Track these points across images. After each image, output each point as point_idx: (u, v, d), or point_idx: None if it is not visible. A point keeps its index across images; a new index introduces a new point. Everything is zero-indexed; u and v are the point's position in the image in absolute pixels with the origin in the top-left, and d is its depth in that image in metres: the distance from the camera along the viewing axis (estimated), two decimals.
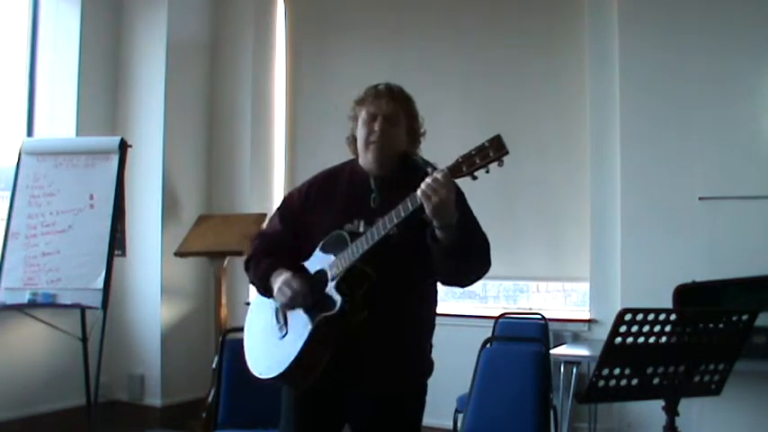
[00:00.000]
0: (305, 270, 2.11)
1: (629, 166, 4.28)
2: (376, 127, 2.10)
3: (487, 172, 1.84)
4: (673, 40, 4.20)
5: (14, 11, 4.95)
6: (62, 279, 4.11)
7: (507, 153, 1.81)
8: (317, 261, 2.08)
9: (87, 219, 4.20)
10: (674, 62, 4.19)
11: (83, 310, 4.19)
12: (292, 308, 2.06)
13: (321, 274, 2.05)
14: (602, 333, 3.46)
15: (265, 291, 2.15)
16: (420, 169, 1.91)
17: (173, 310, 5.10)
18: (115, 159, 4.30)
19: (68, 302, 4.09)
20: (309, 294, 2.03)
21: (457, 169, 1.84)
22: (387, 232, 1.93)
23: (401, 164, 2.11)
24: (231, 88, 5.50)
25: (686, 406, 2.36)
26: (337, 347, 2.00)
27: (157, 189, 5.08)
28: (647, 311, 2.19)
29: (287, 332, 2.08)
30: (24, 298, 4.12)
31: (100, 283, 4.07)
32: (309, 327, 1.99)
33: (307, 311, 2.03)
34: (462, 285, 2.18)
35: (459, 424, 3.52)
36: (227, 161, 5.46)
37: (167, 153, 5.11)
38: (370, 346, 2.02)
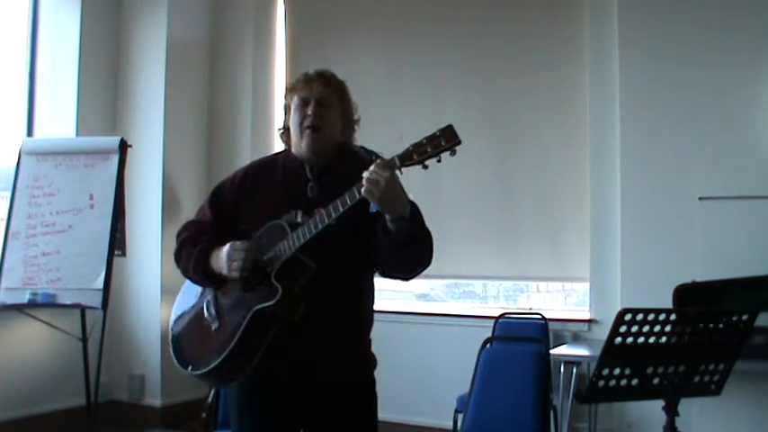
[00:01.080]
0: None
1: (629, 166, 4.28)
2: (309, 111, 2.03)
3: (439, 161, 1.79)
4: (673, 41, 4.20)
5: (14, 11, 4.95)
6: (62, 279, 4.12)
7: (460, 143, 1.76)
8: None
9: (87, 219, 4.20)
10: (674, 62, 4.19)
11: (83, 310, 4.19)
12: (247, 272, 1.94)
13: (259, 264, 1.97)
14: (602, 333, 3.46)
15: (200, 276, 2.06)
16: (361, 160, 1.86)
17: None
18: (115, 159, 4.31)
19: (68, 302, 4.09)
20: (257, 250, 1.95)
21: (408, 157, 1.78)
22: (331, 222, 1.86)
23: (339, 153, 2.07)
24: (231, 88, 5.50)
25: (686, 406, 2.36)
26: (278, 342, 1.93)
27: (157, 189, 5.08)
28: (647, 311, 2.19)
29: (221, 324, 2.01)
30: (24, 298, 4.12)
31: (100, 283, 4.07)
32: (247, 317, 1.92)
33: (242, 303, 1.96)
34: (407, 278, 2.07)
35: (459, 424, 3.52)
36: (227, 161, 5.45)
37: (167, 153, 5.11)
38: (311, 339, 1.96)
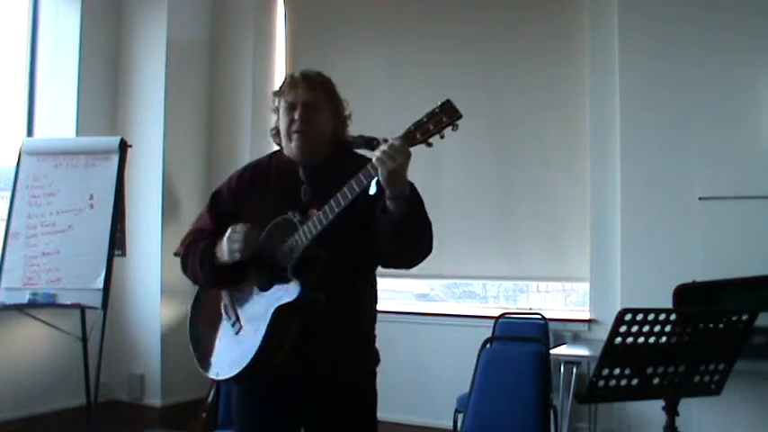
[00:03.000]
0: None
1: (629, 167, 4.28)
2: (296, 116, 2.04)
3: (442, 137, 1.79)
4: (673, 41, 4.20)
5: (14, 11, 4.95)
6: (62, 279, 4.11)
7: (461, 117, 1.75)
8: (263, 249, 2.00)
9: (87, 219, 4.20)
10: (674, 62, 4.19)
11: (83, 310, 4.19)
12: (248, 251, 1.95)
13: (272, 261, 1.97)
14: (602, 333, 3.46)
15: (213, 274, 2.04)
16: (356, 154, 1.86)
17: (173, 310, 5.09)
18: (115, 159, 4.31)
19: (68, 302, 4.09)
20: (258, 232, 1.95)
21: (411, 137, 1.79)
22: (341, 209, 1.86)
23: (332, 151, 2.08)
24: (231, 88, 5.50)
25: (686, 406, 2.36)
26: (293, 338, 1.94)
27: (157, 189, 5.08)
28: (647, 311, 2.19)
29: (241, 327, 2.01)
30: (24, 298, 4.12)
31: (100, 283, 4.07)
32: (269, 316, 1.92)
33: (261, 303, 1.96)
34: (406, 266, 2.05)
35: (459, 424, 3.52)
36: (227, 161, 5.46)
37: (167, 153, 5.11)
38: (317, 335, 1.96)
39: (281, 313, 1.92)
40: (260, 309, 1.96)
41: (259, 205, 2.07)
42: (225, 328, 2.06)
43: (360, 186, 1.84)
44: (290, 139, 2.06)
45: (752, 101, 4.07)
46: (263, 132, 5.48)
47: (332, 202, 1.88)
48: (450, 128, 1.77)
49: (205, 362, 2.11)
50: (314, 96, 2.06)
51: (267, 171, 2.15)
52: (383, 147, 1.79)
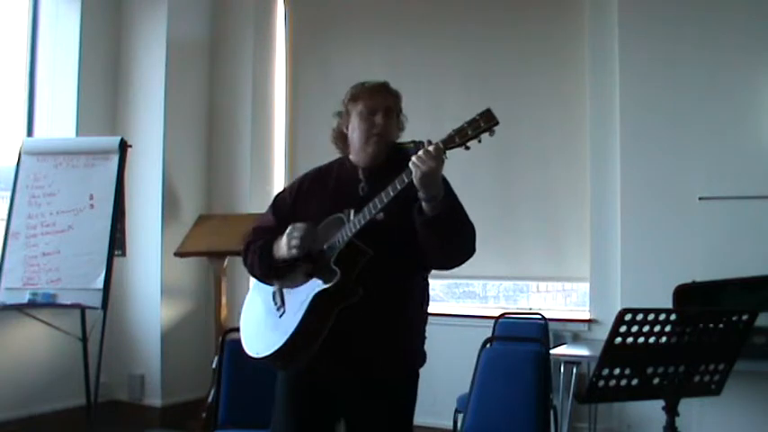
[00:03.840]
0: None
1: (629, 167, 4.28)
2: (379, 120, 2.17)
3: (479, 141, 1.90)
4: (673, 42, 4.20)
5: (14, 11, 4.95)
6: (62, 279, 4.12)
7: (498, 123, 1.88)
8: (315, 246, 2.12)
9: (87, 219, 4.20)
10: (673, 62, 4.19)
11: (83, 310, 4.19)
12: (305, 249, 2.06)
13: (319, 253, 2.09)
14: (602, 333, 3.46)
15: (268, 267, 2.17)
16: (410, 155, 1.95)
17: (173, 310, 5.10)
18: (115, 159, 4.31)
19: (68, 302, 4.09)
20: (315, 231, 2.07)
21: (450, 141, 1.91)
22: (383, 207, 1.98)
23: (389, 154, 2.17)
24: (231, 88, 5.50)
25: (686, 406, 2.36)
26: (332, 330, 2.03)
27: (157, 189, 5.08)
28: (647, 311, 2.19)
29: (285, 311, 2.12)
30: (24, 298, 4.12)
31: (100, 283, 4.07)
32: (308, 300, 2.03)
33: (304, 288, 2.06)
34: (447, 266, 2.18)
35: (459, 424, 3.52)
36: (227, 161, 5.46)
37: (167, 153, 5.11)
38: (361, 330, 2.06)
39: (318, 300, 2.02)
40: (302, 295, 2.07)
41: (319, 205, 2.19)
42: (270, 312, 2.17)
43: (400, 186, 1.95)
44: (367, 142, 2.18)
45: (752, 101, 4.07)
46: (262, 132, 5.50)
47: (375, 199, 2.00)
48: (487, 133, 1.88)
49: (249, 342, 2.21)
50: (392, 104, 2.22)
51: (329, 174, 2.29)
52: (420, 151, 1.90)
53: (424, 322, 2.27)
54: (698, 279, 3.79)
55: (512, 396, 3.14)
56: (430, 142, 1.92)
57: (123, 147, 4.34)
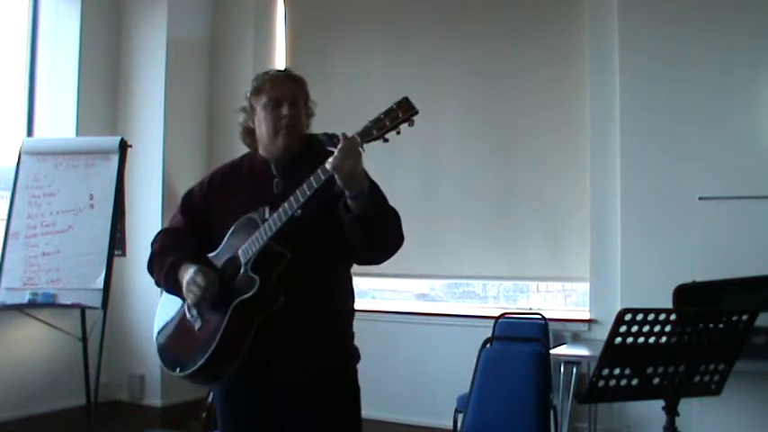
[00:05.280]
0: (210, 262, 2.06)
1: (629, 166, 4.28)
2: (285, 111, 2.07)
3: (398, 133, 1.81)
4: (673, 41, 4.20)
5: (14, 11, 4.95)
6: (62, 279, 4.12)
7: (417, 113, 1.79)
8: (227, 249, 2.04)
9: (87, 219, 4.20)
10: (673, 63, 4.19)
11: (83, 310, 4.19)
12: (203, 302, 1.99)
13: (233, 260, 1.99)
14: (602, 333, 3.46)
15: (173, 288, 2.08)
16: (323, 147, 1.87)
17: None
18: (115, 159, 4.31)
19: (68, 302, 4.10)
20: (216, 287, 1.97)
21: (367, 133, 1.81)
22: (299, 207, 1.88)
23: (302, 146, 2.09)
24: (231, 88, 5.49)
25: (686, 406, 2.36)
26: (256, 336, 1.94)
27: (157, 189, 5.08)
28: (647, 311, 2.19)
29: (201, 323, 2.02)
30: (24, 298, 4.12)
31: (100, 283, 4.08)
32: (226, 314, 1.93)
33: (219, 301, 1.97)
34: (377, 261, 2.05)
35: (459, 424, 3.52)
36: (227, 161, 5.46)
37: (167, 153, 5.11)
38: (287, 332, 1.96)
39: (239, 310, 1.92)
40: (221, 305, 1.96)
41: (232, 203, 2.09)
42: (187, 326, 2.06)
43: (316, 184, 1.85)
44: (276, 135, 2.08)
45: (752, 101, 4.07)
46: None
47: (291, 199, 1.89)
48: (406, 124, 1.79)
49: (167, 358, 2.12)
50: (297, 92, 2.11)
51: (239, 170, 2.19)
52: (337, 150, 1.80)
53: (352, 318, 2.16)
54: (698, 279, 3.79)
55: (512, 396, 3.14)
56: (345, 135, 1.83)
57: (123, 147, 4.35)
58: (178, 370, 2.04)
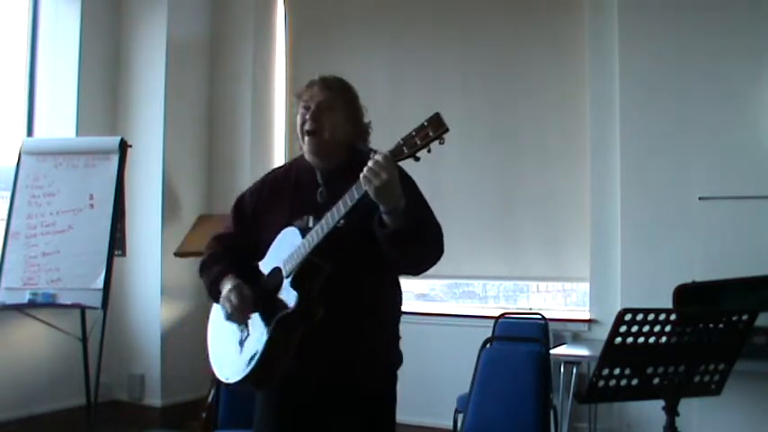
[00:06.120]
0: (258, 271, 2.08)
1: (629, 166, 4.28)
2: (308, 115, 2.08)
3: (429, 151, 1.79)
4: (673, 41, 4.20)
5: (14, 11, 4.95)
6: (62, 279, 4.11)
7: (447, 131, 1.75)
8: (272, 260, 2.06)
9: (87, 219, 4.20)
10: (674, 62, 4.19)
11: (83, 310, 4.19)
12: (235, 320, 2.04)
13: (276, 272, 2.02)
14: (602, 333, 3.46)
15: (217, 296, 2.12)
16: (367, 159, 1.88)
17: (173, 310, 5.09)
18: (115, 159, 4.31)
19: (68, 302, 4.09)
20: (253, 305, 2.01)
21: (398, 151, 1.80)
22: (336, 223, 1.88)
23: (349, 156, 2.09)
24: (231, 88, 5.50)
25: (686, 406, 2.36)
26: (300, 346, 1.97)
27: (157, 189, 5.08)
28: (647, 311, 2.19)
29: (248, 335, 2.05)
30: (24, 298, 4.12)
31: (100, 283, 4.07)
32: (267, 328, 1.97)
33: (263, 313, 2.00)
34: (414, 273, 2.07)
35: (459, 424, 3.52)
36: (227, 161, 5.46)
37: (167, 153, 5.11)
38: (329, 341, 1.98)
39: (281, 323, 1.95)
40: (265, 318, 2.00)
41: (278, 209, 2.12)
42: (234, 334, 2.10)
43: (351, 201, 1.86)
44: (302, 138, 2.10)
45: (752, 101, 4.07)
46: (263, 132, 5.50)
47: (329, 214, 1.90)
48: (436, 142, 1.76)
49: (217, 366, 2.16)
50: (328, 97, 2.09)
51: (287, 175, 2.20)
52: (369, 163, 1.80)
53: (398, 321, 2.19)
54: (698, 279, 3.79)
55: (512, 396, 3.14)
56: (376, 152, 1.82)
57: (123, 147, 4.34)
58: (227, 379, 2.09)
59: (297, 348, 1.97)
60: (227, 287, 2.04)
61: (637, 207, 4.25)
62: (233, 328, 2.09)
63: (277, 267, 2.02)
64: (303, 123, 2.08)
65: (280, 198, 2.15)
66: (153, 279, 5.03)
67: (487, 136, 4.74)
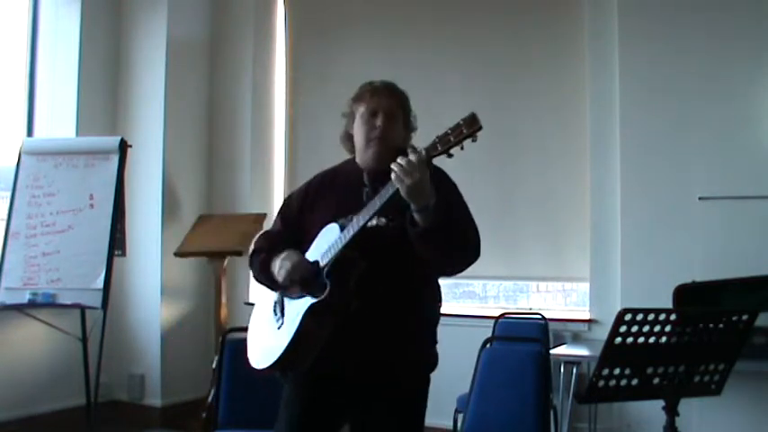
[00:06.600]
0: None
1: (629, 166, 4.28)
2: (378, 122, 2.13)
3: (462, 149, 1.86)
4: (673, 41, 4.20)
5: (14, 11, 4.95)
6: (62, 279, 4.12)
7: (481, 128, 1.82)
8: (313, 254, 2.11)
9: (87, 219, 4.20)
10: (674, 62, 4.19)
11: (83, 310, 4.19)
12: (296, 282, 2.07)
13: (315, 264, 2.07)
14: (602, 333, 3.46)
15: (267, 279, 2.18)
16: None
17: (173, 310, 5.10)
18: (115, 159, 4.31)
19: (68, 302, 4.09)
20: (309, 267, 2.06)
21: (433, 149, 1.87)
22: (370, 218, 1.95)
23: (395, 157, 2.10)
24: (231, 88, 5.50)
25: (686, 406, 2.36)
26: (332, 337, 2.01)
27: (157, 189, 5.08)
28: (647, 311, 2.19)
29: (283, 322, 2.11)
30: (24, 298, 4.12)
31: (100, 283, 4.07)
32: (302, 313, 2.02)
33: (302, 300, 2.06)
34: (447, 274, 2.15)
35: (459, 424, 3.52)
36: (227, 161, 5.46)
37: (167, 153, 5.11)
38: (363, 336, 2.02)
39: (311, 312, 2.00)
40: (298, 307, 2.06)
41: (324, 208, 2.17)
42: (271, 323, 2.16)
43: (383, 198, 1.92)
44: (368, 145, 2.15)
45: (752, 101, 4.07)
46: (263, 132, 5.50)
47: (363, 211, 1.97)
48: (470, 139, 1.83)
49: (252, 352, 2.23)
50: (393, 105, 2.16)
51: (335, 177, 2.27)
52: (400, 161, 1.86)
53: (436, 323, 2.22)
54: (698, 279, 3.79)
55: (512, 396, 3.14)
56: (415, 149, 1.88)
57: (123, 147, 4.34)
58: (256, 363, 2.16)
59: (335, 344, 2.01)
60: (282, 254, 2.10)
61: (637, 207, 4.25)
62: (270, 317, 2.17)
63: (316, 260, 2.07)
64: (371, 130, 2.13)
65: (327, 198, 2.21)
66: (153, 279, 5.03)
67: (488, 136, 4.69)
